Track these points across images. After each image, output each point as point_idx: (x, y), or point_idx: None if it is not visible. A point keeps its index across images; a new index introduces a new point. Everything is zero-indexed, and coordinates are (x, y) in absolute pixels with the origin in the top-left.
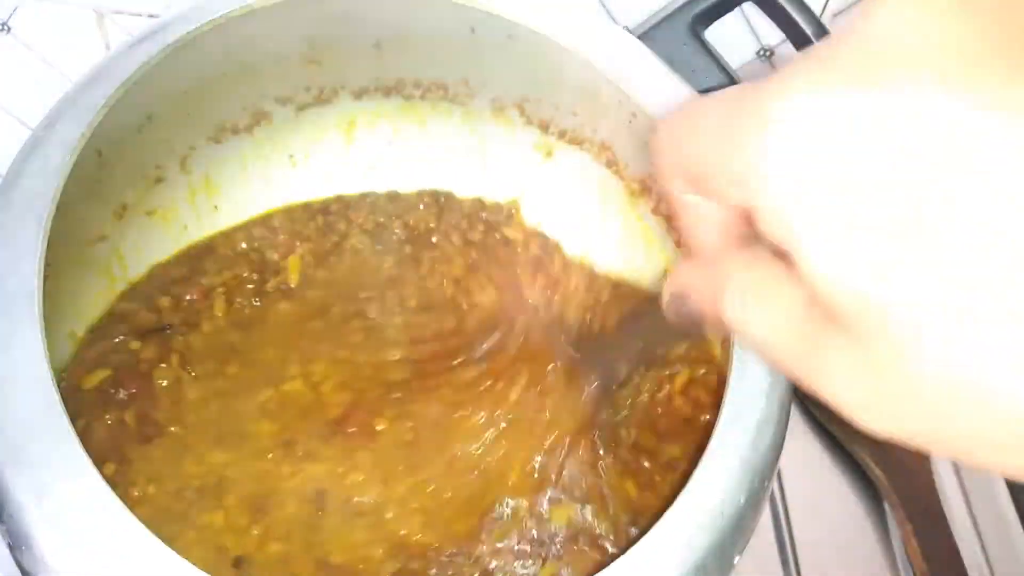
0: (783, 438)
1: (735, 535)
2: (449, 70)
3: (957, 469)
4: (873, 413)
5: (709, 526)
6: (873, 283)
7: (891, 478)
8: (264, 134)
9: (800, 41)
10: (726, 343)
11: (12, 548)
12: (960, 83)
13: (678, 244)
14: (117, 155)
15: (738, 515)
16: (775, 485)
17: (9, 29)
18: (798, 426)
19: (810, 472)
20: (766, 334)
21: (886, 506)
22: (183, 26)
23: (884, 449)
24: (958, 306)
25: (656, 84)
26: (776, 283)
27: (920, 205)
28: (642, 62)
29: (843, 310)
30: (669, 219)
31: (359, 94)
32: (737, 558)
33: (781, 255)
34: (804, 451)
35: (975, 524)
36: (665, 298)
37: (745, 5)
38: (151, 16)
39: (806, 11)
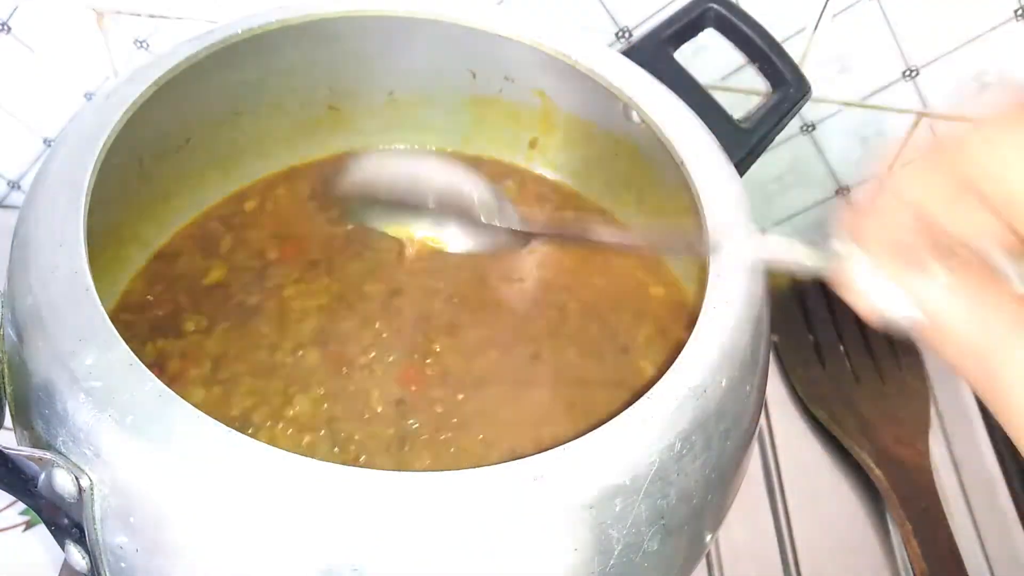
0: (762, 337)
1: (717, 414)
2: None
3: (957, 469)
4: None
5: (692, 404)
6: None
7: (891, 478)
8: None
9: (761, 62)
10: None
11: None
12: None
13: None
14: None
15: (719, 396)
16: (775, 485)
17: (9, 29)
18: (798, 426)
19: (810, 472)
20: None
21: (886, 506)
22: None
23: (884, 449)
24: None
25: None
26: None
27: None
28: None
29: None
30: None
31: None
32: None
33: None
34: (804, 451)
35: (975, 524)
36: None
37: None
38: (151, 16)
39: (765, 34)
